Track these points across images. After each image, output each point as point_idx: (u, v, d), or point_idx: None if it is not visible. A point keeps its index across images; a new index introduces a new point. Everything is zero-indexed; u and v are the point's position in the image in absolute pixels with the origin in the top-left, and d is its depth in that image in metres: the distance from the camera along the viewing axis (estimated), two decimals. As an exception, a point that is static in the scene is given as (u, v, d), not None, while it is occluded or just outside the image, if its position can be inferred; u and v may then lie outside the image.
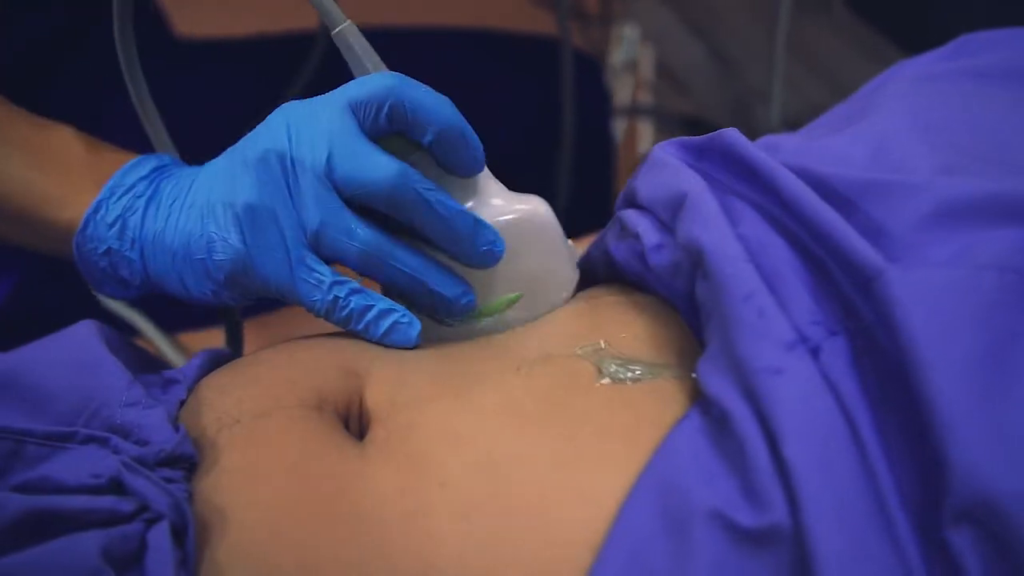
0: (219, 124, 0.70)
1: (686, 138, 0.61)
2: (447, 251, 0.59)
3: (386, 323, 0.58)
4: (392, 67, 0.63)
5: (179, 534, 0.47)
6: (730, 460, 0.47)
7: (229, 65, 1.15)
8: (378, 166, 0.55)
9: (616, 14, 1.83)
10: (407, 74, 0.59)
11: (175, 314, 0.84)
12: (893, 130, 0.60)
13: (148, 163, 0.64)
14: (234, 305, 0.63)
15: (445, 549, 0.47)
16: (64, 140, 0.66)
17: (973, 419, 0.42)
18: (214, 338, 0.86)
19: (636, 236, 0.59)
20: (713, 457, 0.47)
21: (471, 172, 0.60)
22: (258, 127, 0.59)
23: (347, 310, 0.58)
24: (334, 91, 0.57)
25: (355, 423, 0.55)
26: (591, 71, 1.28)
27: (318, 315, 0.59)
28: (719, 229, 0.52)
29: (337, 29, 0.59)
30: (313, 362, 0.57)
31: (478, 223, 0.58)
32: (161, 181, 0.63)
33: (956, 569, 0.41)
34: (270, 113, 0.59)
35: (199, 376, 0.59)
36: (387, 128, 0.57)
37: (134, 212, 0.62)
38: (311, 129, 0.56)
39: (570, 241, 0.65)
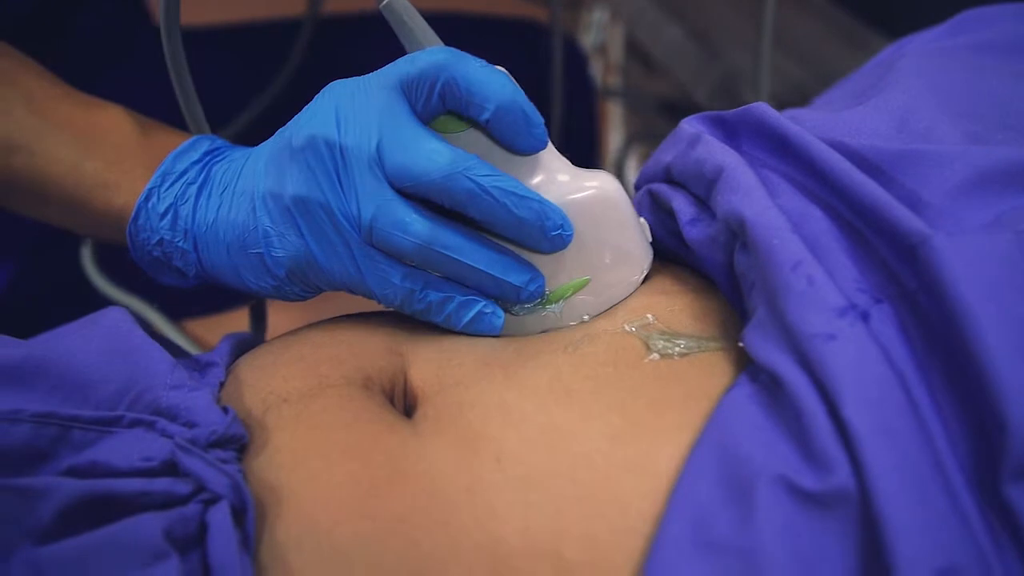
0: (205, 112, 0.68)
1: (713, 113, 0.62)
2: (512, 240, 0.56)
3: (469, 314, 0.57)
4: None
5: (237, 514, 0.47)
6: (786, 426, 0.47)
7: (213, 53, 1.14)
8: (429, 157, 0.52)
9: (587, -1, 1.84)
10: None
11: (176, 301, 0.84)
12: (914, 103, 0.60)
13: (200, 146, 0.62)
14: (298, 299, 0.61)
15: (509, 522, 0.47)
16: (114, 120, 0.65)
17: None
18: (219, 324, 0.86)
19: (670, 211, 0.60)
20: (768, 424, 0.48)
21: (533, 150, 0.56)
22: (306, 109, 0.56)
23: (424, 302, 0.56)
24: (385, 69, 0.55)
25: (399, 401, 0.56)
26: (575, 54, 1.29)
27: (391, 306, 0.57)
28: (760, 201, 0.53)
29: (384, 2, 0.56)
30: (355, 341, 0.57)
31: (544, 207, 0.54)
32: (213, 166, 0.61)
33: (1014, 522, 0.43)
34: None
35: (231, 359, 0.59)
36: (440, 108, 0.55)
37: (185, 201, 0.60)
38: (360, 113, 0.53)
39: (642, 218, 0.61)
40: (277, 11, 1.14)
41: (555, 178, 0.57)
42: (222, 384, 0.56)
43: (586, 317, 0.59)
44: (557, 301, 0.58)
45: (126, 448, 0.49)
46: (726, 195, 0.55)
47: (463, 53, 0.54)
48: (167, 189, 0.60)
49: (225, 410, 0.51)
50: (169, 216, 0.60)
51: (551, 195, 0.56)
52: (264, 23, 1.13)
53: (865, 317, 0.48)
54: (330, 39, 1.11)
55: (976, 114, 0.59)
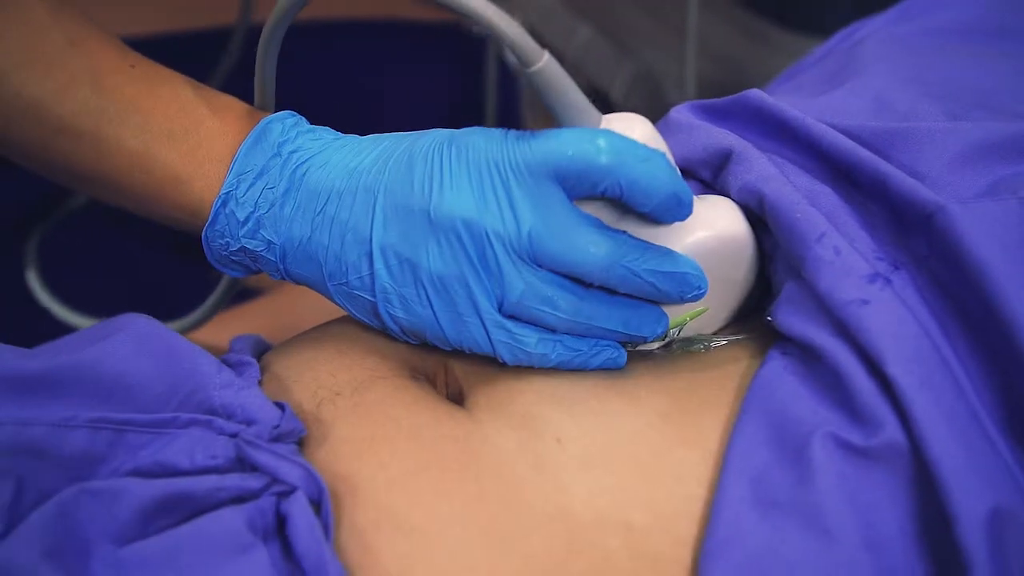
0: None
1: (703, 101, 0.65)
2: (652, 301, 0.56)
3: (597, 361, 0.55)
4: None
5: (312, 504, 0.48)
6: (825, 392, 0.51)
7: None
8: (586, 249, 0.51)
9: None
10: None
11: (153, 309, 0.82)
12: (888, 87, 0.64)
13: (271, 134, 0.58)
14: (406, 343, 0.58)
15: (577, 495, 0.49)
16: (183, 100, 0.60)
17: None
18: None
19: None
20: (806, 392, 0.51)
21: (676, 222, 0.54)
22: (440, 171, 0.52)
23: (555, 361, 0.54)
24: (535, 143, 0.51)
25: (442, 391, 0.57)
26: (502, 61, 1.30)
27: (518, 365, 0.55)
28: (775, 178, 0.56)
29: (535, 68, 0.50)
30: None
31: (687, 277, 0.54)
32: (294, 168, 0.57)
33: None
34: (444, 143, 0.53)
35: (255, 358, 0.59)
36: (598, 197, 0.52)
37: (268, 209, 0.56)
38: (509, 198, 0.51)
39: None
40: (207, 21, 1.14)
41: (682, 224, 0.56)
42: (259, 383, 0.56)
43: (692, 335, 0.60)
44: (674, 327, 0.58)
45: (186, 448, 0.50)
46: (739, 175, 0.58)
47: (623, 144, 0.51)
48: (245, 194, 0.57)
49: (280, 406, 0.52)
50: (250, 225, 0.57)
51: (674, 237, 0.56)
52: (194, 32, 1.12)
53: (888, 283, 0.52)
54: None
55: (949, 95, 0.63)
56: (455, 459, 0.50)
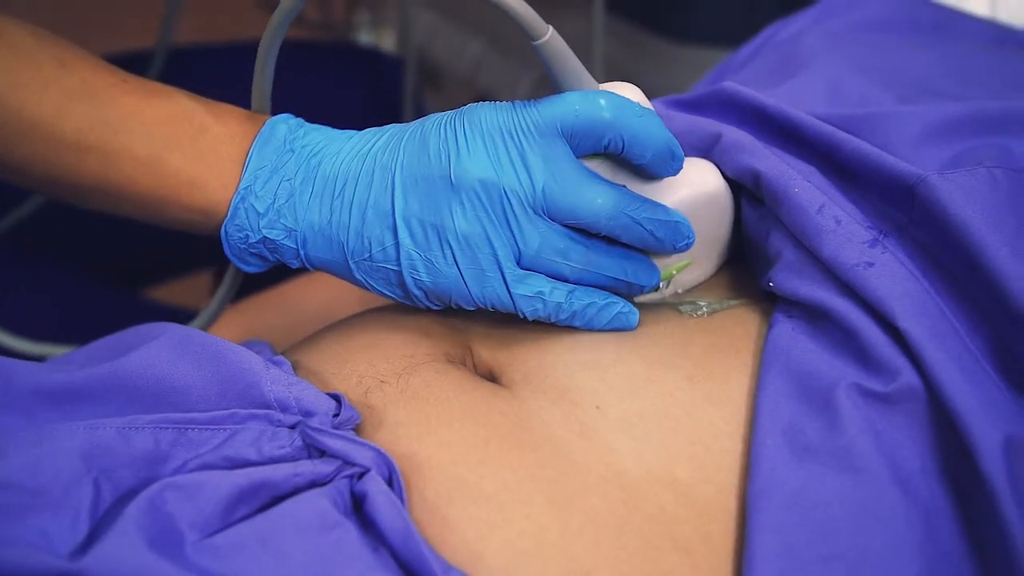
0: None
1: (675, 96, 0.70)
2: (644, 250, 0.61)
3: (608, 316, 0.60)
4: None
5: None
6: (838, 346, 0.56)
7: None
8: (593, 201, 0.56)
9: (358, 23, 1.89)
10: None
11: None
12: (837, 77, 0.70)
13: (279, 132, 0.61)
14: (425, 308, 0.61)
15: (624, 456, 0.53)
16: (184, 109, 0.62)
17: None
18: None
19: None
20: (819, 348, 0.56)
21: (669, 176, 0.60)
22: (455, 140, 0.57)
23: (569, 311, 0.58)
24: (542, 108, 0.56)
25: (471, 371, 0.60)
26: (394, 67, 1.32)
27: (535, 319, 0.59)
28: (768, 157, 0.61)
29: (542, 40, 0.55)
30: (419, 325, 0.61)
31: (679, 227, 0.59)
32: (309, 158, 0.60)
33: None
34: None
35: None
36: (599, 152, 0.58)
37: (288, 198, 0.59)
38: (523, 158, 0.56)
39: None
40: (130, 44, 1.14)
41: (670, 181, 0.61)
42: None
43: (679, 290, 0.65)
44: (663, 280, 0.63)
45: (252, 440, 0.51)
46: (732, 155, 0.62)
47: (621, 102, 0.56)
48: (263, 188, 0.60)
49: (334, 396, 0.54)
50: (270, 215, 0.60)
51: (663, 195, 0.61)
52: (116, 56, 1.11)
53: (886, 247, 0.57)
54: (181, 71, 1.11)
55: (894, 82, 0.69)
56: (509, 432, 0.53)
